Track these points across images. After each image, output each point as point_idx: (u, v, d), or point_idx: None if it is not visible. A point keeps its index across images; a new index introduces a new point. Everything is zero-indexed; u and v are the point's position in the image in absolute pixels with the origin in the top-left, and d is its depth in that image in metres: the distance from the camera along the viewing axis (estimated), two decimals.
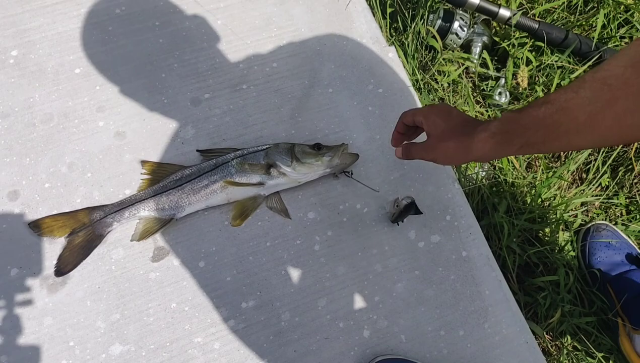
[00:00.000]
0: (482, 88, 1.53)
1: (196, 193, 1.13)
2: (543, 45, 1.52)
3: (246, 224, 1.16)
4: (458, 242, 1.21)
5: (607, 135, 0.66)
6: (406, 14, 1.54)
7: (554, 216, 1.41)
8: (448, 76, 1.48)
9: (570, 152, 1.50)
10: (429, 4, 1.52)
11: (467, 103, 1.44)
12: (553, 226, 1.40)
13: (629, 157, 1.49)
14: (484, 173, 1.44)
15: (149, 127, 1.23)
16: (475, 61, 1.50)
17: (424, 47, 1.49)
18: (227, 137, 1.23)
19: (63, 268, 1.10)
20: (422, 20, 1.49)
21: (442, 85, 1.47)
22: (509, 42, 1.52)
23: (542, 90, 1.47)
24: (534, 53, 1.54)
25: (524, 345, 1.16)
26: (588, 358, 1.34)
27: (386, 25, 1.50)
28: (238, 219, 1.15)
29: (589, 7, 1.60)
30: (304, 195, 1.20)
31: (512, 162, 1.44)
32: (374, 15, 1.42)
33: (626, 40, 1.57)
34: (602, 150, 1.48)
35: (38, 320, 1.07)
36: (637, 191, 1.49)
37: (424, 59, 1.50)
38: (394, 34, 1.54)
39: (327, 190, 1.21)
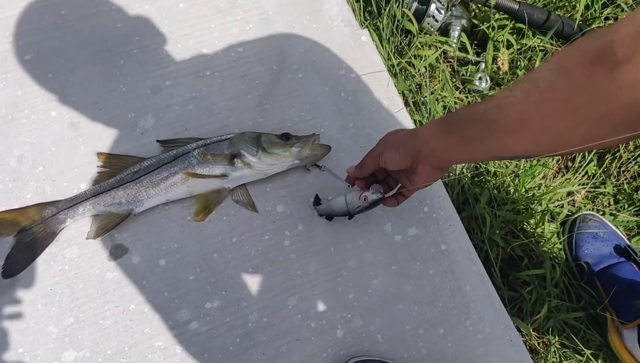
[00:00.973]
0: (461, 73, 1.50)
1: (155, 186, 1.08)
2: (524, 27, 1.49)
3: (210, 219, 1.12)
4: (437, 235, 1.17)
5: (538, 140, 0.66)
6: None
7: (539, 207, 1.38)
8: (425, 60, 1.45)
9: None
10: None
11: (445, 88, 1.41)
12: (538, 217, 1.37)
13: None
14: (466, 164, 1.40)
15: (106, 117, 1.17)
16: (453, 45, 1.47)
17: (399, 31, 1.46)
18: (189, 126, 1.18)
19: (11, 269, 1.05)
20: (397, 3, 1.45)
21: (418, 70, 1.43)
22: (488, 25, 1.48)
23: (524, 74, 1.43)
24: (514, 36, 1.51)
25: (508, 343, 1.12)
26: (576, 355, 1.31)
27: (359, 9, 1.46)
28: (201, 214, 1.11)
29: None
30: (272, 187, 1.16)
31: None
32: None
33: (610, 21, 1.54)
34: None
35: None
36: (625, 179, 1.47)
37: (400, 43, 1.46)
38: (368, 17, 1.49)
39: (298, 181, 1.17)
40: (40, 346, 1.02)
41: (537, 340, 1.33)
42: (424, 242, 1.17)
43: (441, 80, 1.43)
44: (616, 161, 1.46)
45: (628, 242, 1.38)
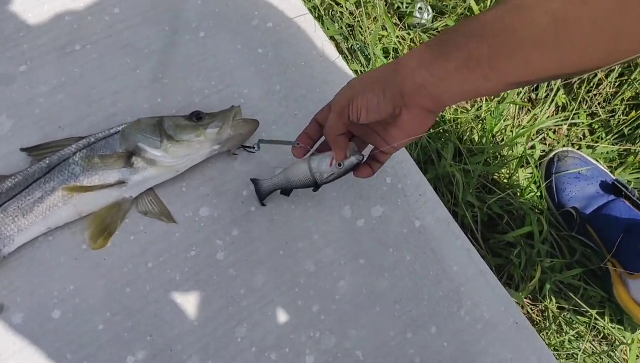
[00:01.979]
0: (396, 6, 1.27)
1: (27, 212, 0.80)
2: None
3: (113, 243, 0.85)
4: (407, 210, 0.96)
5: (584, 50, 0.49)
6: None
7: (511, 152, 1.20)
8: None
9: None
10: None
11: (385, 27, 1.18)
12: (512, 165, 1.18)
13: None
14: None
15: None
16: None
17: None
18: (64, 123, 0.90)
19: None
20: None
21: (347, 8, 1.19)
22: None
23: None
24: None
25: (514, 327, 0.94)
26: (578, 317, 1.16)
27: None
28: (99, 238, 0.84)
29: None
30: (189, 186, 0.90)
31: None
32: None
33: None
34: None
35: None
36: (599, 104, 1.30)
37: None
38: None
39: (222, 173, 0.92)
40: None
41: (532, 308, 1.17)
42: (393, 221, 0.95)
43: (376, 17, 1.20)
44: (584, 85, 1.29)
45: (613, 176, 1.23)
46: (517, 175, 1.20)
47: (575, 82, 1.29)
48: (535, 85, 1.29)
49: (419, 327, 0.90)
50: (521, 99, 1.29)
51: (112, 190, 0.83)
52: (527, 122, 1.25)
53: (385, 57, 1.18)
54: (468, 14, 1.26)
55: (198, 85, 0.97)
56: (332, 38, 1.17)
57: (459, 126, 1.20)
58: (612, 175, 1.23)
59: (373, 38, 1.13)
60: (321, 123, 0.79)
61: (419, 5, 1.22)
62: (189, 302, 0.84)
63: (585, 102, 1.30)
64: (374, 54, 1.16)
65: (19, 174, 0.82)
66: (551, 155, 1.25)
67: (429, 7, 1.23)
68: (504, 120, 1.24)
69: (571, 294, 1.15)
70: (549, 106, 1.27)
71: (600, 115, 1.29)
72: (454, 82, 0.58)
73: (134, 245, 0.86)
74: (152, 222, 0.88)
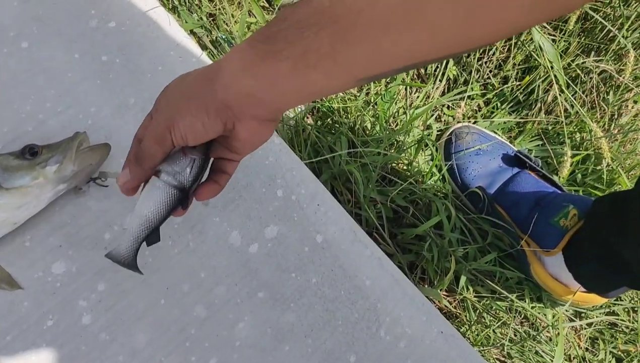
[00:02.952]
0: None
1: None
2: None
3: None
4: (306, 224, 0.85)
5: (436, 31, 0.41)
6: None
7: (408, 138, 1.12)
8: None
9: None
10: None
11: (252, 13, 1.04)
12: (411, 150, 1.10)
13: None
14: (303, 107, 1.07)
15: None
16: None
17: None
18: None
19: None
20: None
21: None
22: None
23: None
24: None
25: (439, 337, 0.86)
26: (498, 302, 1.11)
27: None
28: None
29: None
30: (34, 239, 0.73)
31: None
32: None
33: None
34: None
35: None
36: (491, 71, 1.25)
37: None
38: None
39: (74, 216, 0.76)
40: None
41: (449, 301, 1.10)
42: (292, 240, 0.83)
43: (240, 2, 1.06)
44: (476, 53, 1.23)
45: (514, 148, 1.18)
46: (416, 160, 1.12)
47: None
48: None
49: (337, 359, 0.80)
50: (410, 77, 1.21)
51: None
52: (420, 101, 1.17)
53: None
54: None
55: (29, 109, 0.79)
56: (192, 32, 1.02)
57: (349, 116, 1.10)
58: (513, 147, 1.18)
59: (240, 27, 1.00)
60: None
61: None
62: None
63: (477, 72, 1.24)
64: None
65: None
66: (448, 134, 1.18)
67: None
68: (396, 103, 1.15)
69: (488, 281, 1.09)
70: (441, 81, 1.20)
71: (493, 84, 1.23)
72: (289, 86, 0.47)
73: None
74: None
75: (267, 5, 1.14)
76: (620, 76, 1.22)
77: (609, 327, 1.17)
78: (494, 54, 1.24)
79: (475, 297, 1.10)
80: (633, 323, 1.16)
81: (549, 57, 1.16)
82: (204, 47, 1.02)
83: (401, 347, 0.83)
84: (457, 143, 1.17)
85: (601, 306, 1.16)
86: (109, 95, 0.83)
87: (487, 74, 1.25)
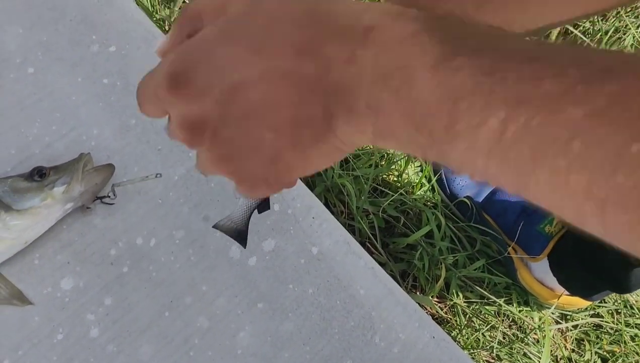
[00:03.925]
0: None
1: None
2: None
3: None
4: (302, 237, 0.88)
5: None
6: None
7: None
8: None
9: None
10: None
11: None
12: (402, 162, 1.14)
13: None
14: None
15: None
16: None
17: None
18: None
19: None
20: None
21: None
22: None
23: None
24: None
25: (431, 342, 0.89)
26: (486, 307, 1.15)
27: None
28: None
29: None
30: (43, 256, 0.76)
31: None
32: None
33: None
34: None
35: None
36: None
37: None
38: None
39: (81, 234, 0.79)
40: None
41: (440, 307, 1.14)
42: (289, 253, 0.87)
43: None
44: None
45: None
46: (406, 172, 1.17)
47: None
48: None
49: None
50: None
51: None
52: None
53: None
54: None
55: (35, 132, 0.82)
56: None
57: None
58: None
59: None
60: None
61: None
62: None
63: None
64: None
65: None
66: None
67: None
68: None
69: (477, 287, 1.13)
70: None
71: None
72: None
73: None
74: (1, 310, 0.73)
75: None
76: None
77: (594, 328, 1.21)
78: None
79: (465, 302, 1.14)
80: (617, 324, 1.20)
81: None
82: None
83: (395, 352, 0.87)
84: None
85: (586, 309, 1.20)
86: (111, 117, 0.86)
87: None
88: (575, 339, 1.20)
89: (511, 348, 1.13)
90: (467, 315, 1.13)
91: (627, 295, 1.24)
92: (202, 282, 0.82)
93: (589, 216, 0.27)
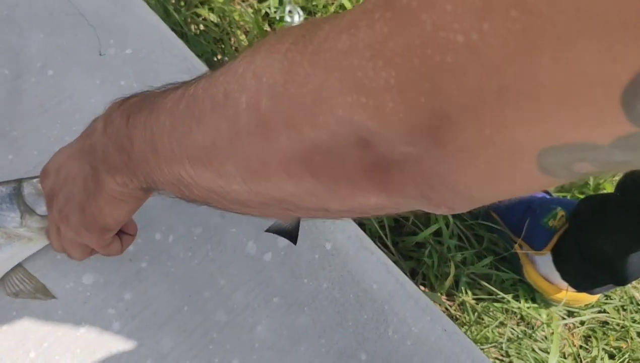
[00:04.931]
0: (262, 12, 1.20)
1: None
2: None
3: None
4: (315, 233, 0.90)
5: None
6: None
7: None
8: (211, 9, 1.13)
9: None
10: None
11: (260, 36, 1.11)
12: None
13: None
14: None
15: None
16: None
17: None
18: None
19: None
20: None
21: (211, 20, 1.11)
22: None
23: None
24: None
25: (443, 335, 0.91)
26: (494, 304, 1.16)
27: None
28: None
29: None
30: None
31: None
32: None
33: None
34: None
35: None
36: None
37: None
38: None
39: None
40: None
41: (450, 305, 1.16)
42: (303, 249, 0.89)
43: (247, 31, 1.13)
44: None
45: None
46: None
47: None
48: None
49: (350, 358, 0.85)
50: None
51: None
52: None
53: None
54: (340, 10, 1.22)
55: (56, 133, 0.84)
56: (201, 55, 1.08)
57: None
58: None
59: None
60: None
61: (288, 8, 1.17)
62: None
63: None
64: None
65: None
66: None
67: (298, 10, 1.18)
68: None
69: (485, 283, 1.15)
70: None
71: None
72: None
73: (9, 336, 0.73)
74: (26, 303, 0.75)
75: (269, 28, 1.21)
76: None
77: (601, 325, 1.23)
78: None
79: (473, 299, 1.16)
80: (623, 320, 1.22)
81: None
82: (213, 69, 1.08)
83: (408, 344, 0.89)
84: None
85: (592, 305, 1.22)
86: None
87: None
88: (583, 336, 1.22)
89: (520, 344, 1.14)
90: (476, 312, 1.15)
91: (632, 291, 1.26)
92: (220, 276, 0.84)
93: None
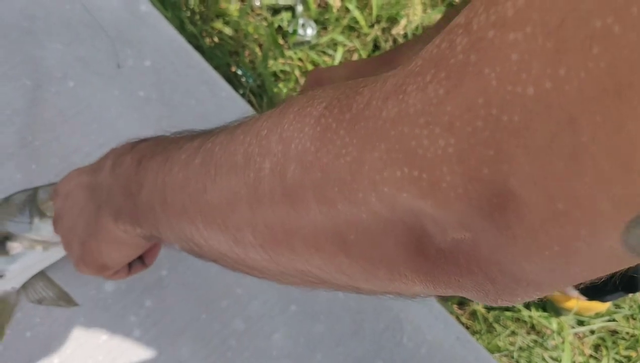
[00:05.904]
0: (275, 25, 1.22)
1: None
2: None
3: (4, 346, 0.73)
4: None
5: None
6: None
7: None
8: (226, 22, 1.15)
9: None
10: None
11: (274, 49, 1.13)
12: None
13: None
14: None
15: None
16: None
17: None
18: None
19: None
20: None
21: (226, 33, 1.13)
22: None
23: (357, 8, 1.20)
24: None
25: (456, 343, 0.93)
26: (505, 312, 1.18)
27: None
28: None
29: None
30: None
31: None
32: None
33: None
34: None
35: None
36: None
37: (193, 5, 1.14)
38: None
39: None
40: None
41: (460, 314, 1.17)
42: None
43: (259, 41, 1.15)
44: None
45: None
46: None
47: None
48: None
49: None
50: None
51: None
52: None
53: (275, 80, 1.13)
54: (353, 25, 1.24)
55: (75, 143, 0.86)
56: (217, 68, 1.10)
57: None
58: None
59: (264, 65, 1.08)
60: None
61: (301, 22, 1.19)
62: None
63: None
64: (271, 82, 1.10)
65: None
66: None
67: (311, 23, 1.20)
68: None
69: None
70: None
71: None
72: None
73: (32, 343, 0.74)
74: (49, 311, 0.76)
75: (282, 41, 1.22)
76: None
77: (611, 334, 1.24)
78: None
79: (484, 308, 1.17)
80: (633, 329, 1.23)
81: None
82: (230, 81, 1.10)
83: (423, 352, 0.90)
84: None
85: (602, 314, 1.23)
86: (146, 128, 0.90)
87: None
88: (593, 345, 1.23)
89: (530, 353, 1.15)
90: (488, 321, 1.16)
91: None
92: (237, 285, 0.85)
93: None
